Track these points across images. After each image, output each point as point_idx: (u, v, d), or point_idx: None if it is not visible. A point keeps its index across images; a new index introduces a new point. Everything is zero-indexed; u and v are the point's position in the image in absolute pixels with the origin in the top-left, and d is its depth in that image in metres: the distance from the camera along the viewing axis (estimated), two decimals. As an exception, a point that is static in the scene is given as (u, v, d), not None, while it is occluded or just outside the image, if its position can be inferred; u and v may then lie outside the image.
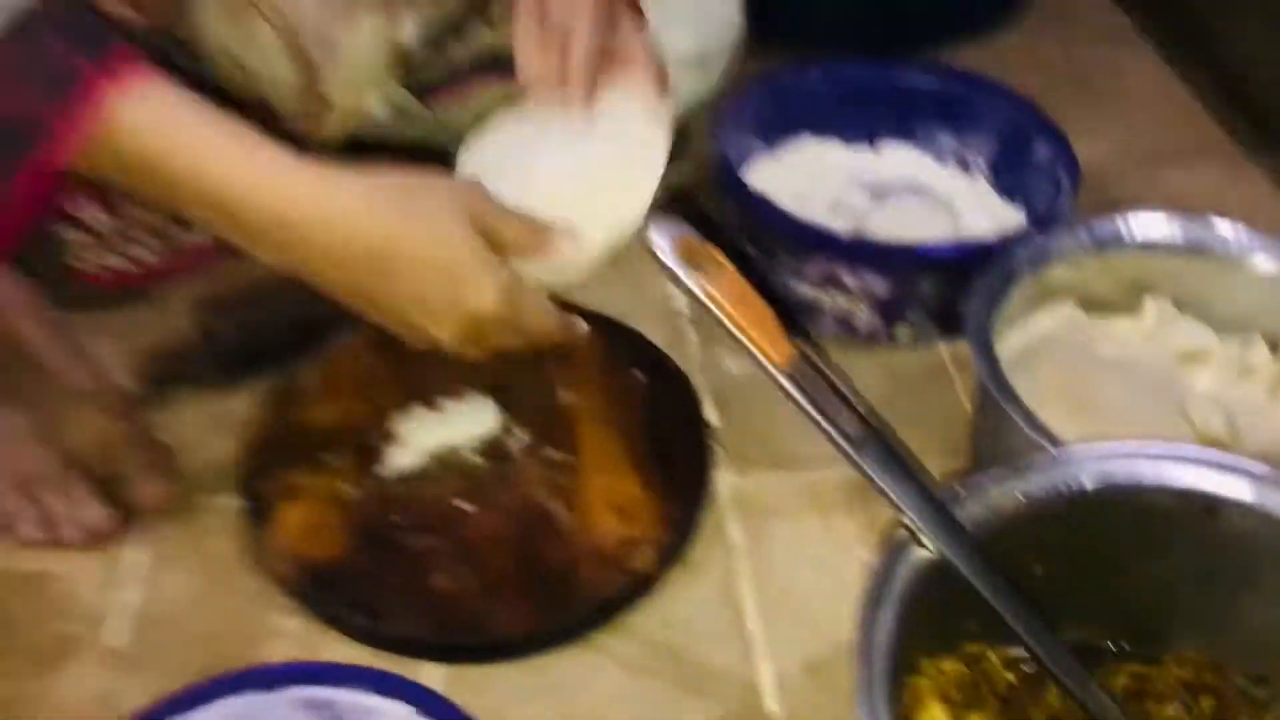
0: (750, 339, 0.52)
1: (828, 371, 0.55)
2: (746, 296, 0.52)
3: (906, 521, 0.53)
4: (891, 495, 0.53)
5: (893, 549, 0.54)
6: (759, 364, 0.53)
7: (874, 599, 0.53)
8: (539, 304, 0.63)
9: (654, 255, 0.53)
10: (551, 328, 0.64)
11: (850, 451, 0.53)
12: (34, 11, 0.51)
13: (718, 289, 0.52)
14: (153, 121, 0.53)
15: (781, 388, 0.53)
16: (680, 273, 0.52)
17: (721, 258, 0.53)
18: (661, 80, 0.67)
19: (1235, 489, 0.57)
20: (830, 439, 0.53)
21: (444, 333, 0.61)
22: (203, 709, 0.63)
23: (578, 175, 0.65)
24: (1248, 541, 0.58)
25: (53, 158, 0.51)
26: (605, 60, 0.66)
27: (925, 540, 0.53)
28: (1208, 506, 0.58)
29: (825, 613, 0.69)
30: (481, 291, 0.59)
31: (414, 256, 0.59)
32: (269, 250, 0.58)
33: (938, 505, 0.54)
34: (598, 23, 0.65)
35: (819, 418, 0.53)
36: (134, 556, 0.72)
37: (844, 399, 0.55)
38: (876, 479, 0.53)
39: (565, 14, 0.66)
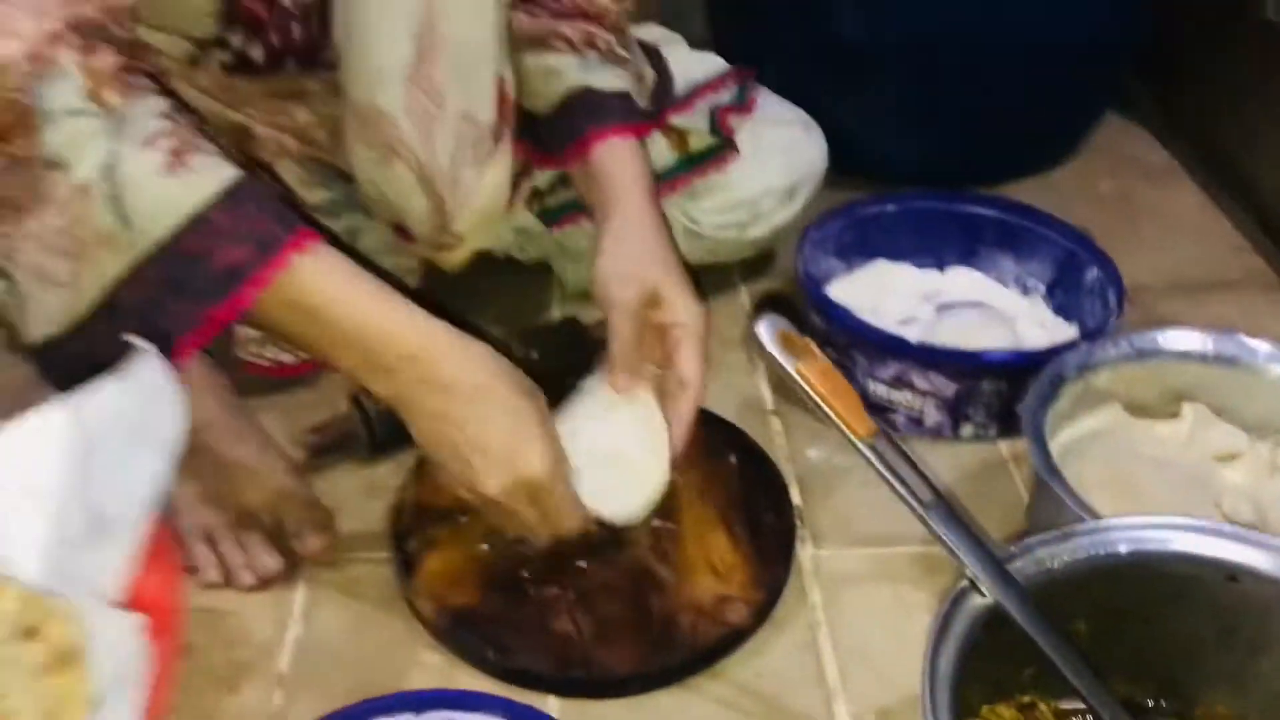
0: (838, 414, 0.64)
1: (903, 447, 0.65)
2: (835, 379, 0.64)
3: (967, 573, 0.64)
4: (955, 550, 0.63)
5: (954, 597, 0.64)
6: (845, 436, 0.64)
7: (937, 638, 0.62)
8: (572, 496, 0.74)
9: (758, 344, 0.64)
10: (572, 521, 0.75)
11: (921, 512, 0.64)
12: (241, 184, 0.65)
13: (810, 373, 0.64)
14: (320, 278, 0.67)
15: (864, 457, 0.64)
16: (780, 358, 0.64)
17: (814, 348, 0.65)
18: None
19: (1254, 559, 0.66)
20: (904, 500, 0.64)
21: (488, 481, 0.71)
22: (359, 728, 0.74)
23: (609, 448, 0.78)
24: (1265, 606, 0.67)
25: (247, 299, 0.65)
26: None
27: (983, 589, 0.63)
28: (1229, 574, 0.67)
29: (894, 667, 0.78)
30: (534, 459, 0.71)
31: (497, 405, 0.71)
32: (382, 378, 0.70)
33: (995, 560, 0.64)
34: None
35: (895, 483, 0.64)
36: (297, 598, 0.83)
37: (916, 471, 0.65)
38: (942, 535, 0.63)
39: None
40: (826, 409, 0.64)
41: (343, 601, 0.83)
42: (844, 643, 0.80)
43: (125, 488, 0.50)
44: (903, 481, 0.64)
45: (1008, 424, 0.94)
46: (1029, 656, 0.67)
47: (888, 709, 0.76)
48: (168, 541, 0.53)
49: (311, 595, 0.84)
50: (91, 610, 0.48)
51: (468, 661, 0.78)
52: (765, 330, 0.64)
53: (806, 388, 0.64)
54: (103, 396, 0.52)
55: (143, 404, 0.52)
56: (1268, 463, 0.85)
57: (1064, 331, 1.02)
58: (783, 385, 0.96)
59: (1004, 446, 0.96)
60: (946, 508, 0.64)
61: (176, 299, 0.64)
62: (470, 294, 1.05)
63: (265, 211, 0.66)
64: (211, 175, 0.64)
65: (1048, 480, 0.76)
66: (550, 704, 0.76)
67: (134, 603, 0.49)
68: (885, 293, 1.07)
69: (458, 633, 0.79)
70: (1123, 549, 0.67)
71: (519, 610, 0.80)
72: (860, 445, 0.64)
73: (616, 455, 0.78)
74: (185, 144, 0.64)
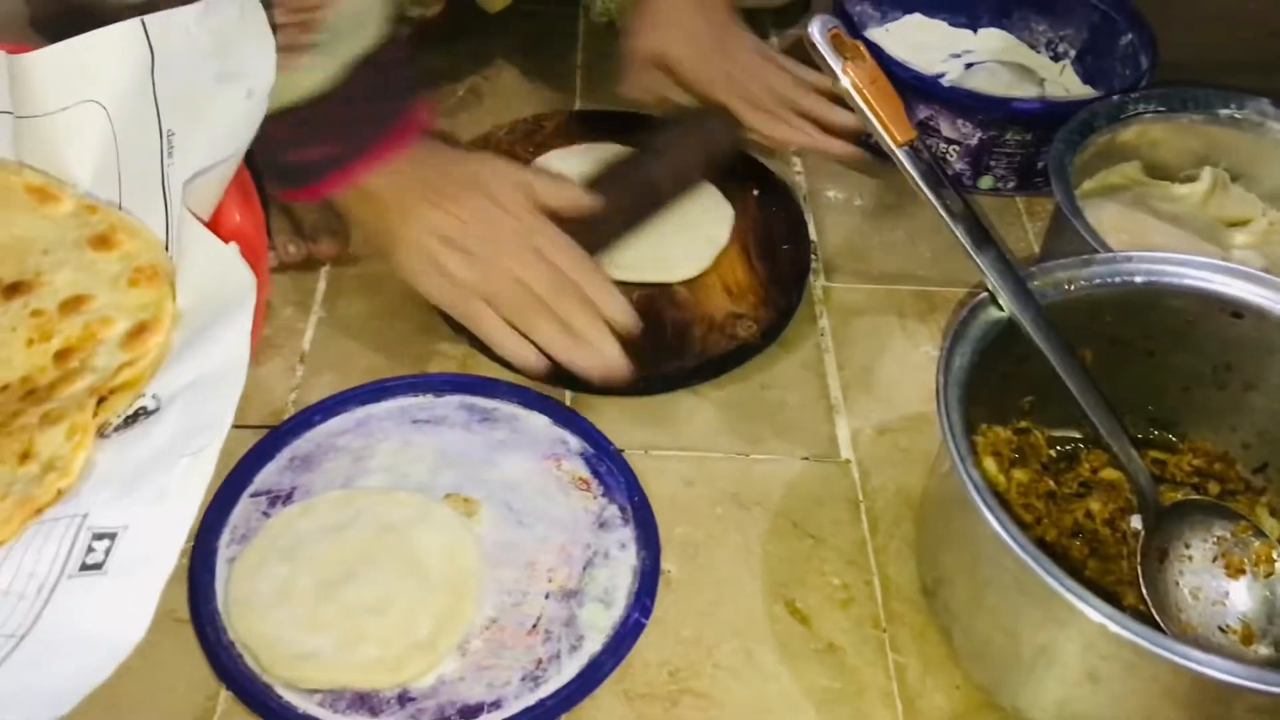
0: (879, 118, 0.64)
1: (937, 159, 0.66)
2: (881, 83, 0.64)
3: (988, 284, 0.65)
4: (977, 260, 0.65)
5: (973, 306, 0.66)
6: (882, 139, 0.65)
7: (953, 339, 0.64)
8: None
9: (808, 40, 0.64)
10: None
11: (949, 220, 0.65)
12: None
13: (857, 74, 0.64)
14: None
15: (899, 161, 0.65)
16: (828, 56, 0.63)
17: (864, 50, 0.64)
18: None
19: (1260, 297, 0.69)
20: (934, 207, 0.65)
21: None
22: (386, 401, 0.77)
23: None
24: (1265, 344, 0.69)
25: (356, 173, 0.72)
26: None
27: (1001, 302, 0.65)
28: (1234, 310, 0.69)
29: (895, 390, 0.81)
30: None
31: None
32: None
33: (1015, 274, 0.66)
34: None
35: (926, 189, 0.65)
36: (320, 286, 0.85)
37: (948, 181, 0.66)
38: (967, 244, 0.65)
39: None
40: (868, 111, 0.64)
41: (364, 294, 0.85)
42: (848, 365, 0.83)
43: (209, 120, 0.50)
44: (933, 189, 0.64)
45: (1026, 179, 0.95)
46: (1029, 384, 0.70)
47: (886, 425, 0.79)
48: (252, 187, 0.53)
49: (333, 285, 0.85)
50: (182, 224, 0.48)
51: (487, 355, 0.80)
52: (817, 29, 0.64)
53: (851, 89, 0.64)
54: (179, 19, 0.51)
55: (225, 38, 0.51)
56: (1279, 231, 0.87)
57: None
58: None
59: (1019, 202, 0.97)
60: (974, 219, 0.65)
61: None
62: (501, 32, 1.04)
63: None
64: None
65: (1069, 217, 0.77)
66: (564, 396, 0.79)
67: (223, 234, 0.49)
68: (916, 47, 1.06)
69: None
70: (1138, 278, 0.69)
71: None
72: (897, 151, 0.64)
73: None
74: None
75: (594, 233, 0.79)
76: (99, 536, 0.44)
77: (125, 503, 0.44)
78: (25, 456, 0.43)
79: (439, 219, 0.74)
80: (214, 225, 0.50)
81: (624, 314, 0.74)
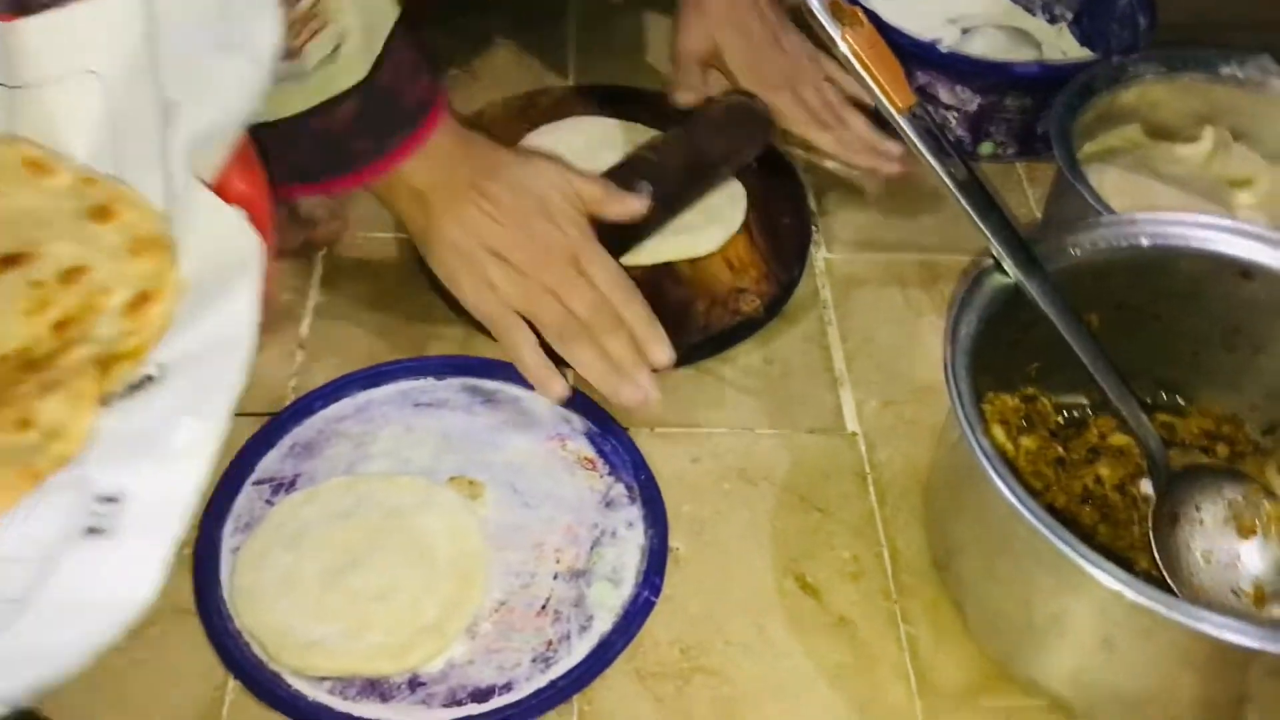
0: (879, 84, 0.63)
1: (938, 125, 0.65)
2: (880, 48, 0.63)
3: (993, 251, 0.65)
4: (982, 226, 0.64)
5: (978, 273, 0.65)
6: (882, 106, 0.64)
7: (959, 308, 0.64)
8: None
9: (805, 7, 0.63)
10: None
11: (953, 187, 0.64)
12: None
13: (856, 40, 0.63)
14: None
15: (901, 128, 0.64)
16: (826, 22, 0.62)
17: (862, 15, 0.63)
18: None
19: (1269, 257, 0.68)
20: (937, 174, 0.64)
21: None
22: (387, 385, 0.76)
23: None
24: (1272, 306, 0.69)
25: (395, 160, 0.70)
26: None
27: (1007, 267, 0.65)
28: (1243, 270, 0.68)
29: (899, 362, 0.81)
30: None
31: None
32: None
33: (1020, 240, 0.65)
34: None
35: (929, 156, 0.64)
36: (316, 270, 0.84)
37: (951, 147, 0.65)
38: (971, 211, 0.64)
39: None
40: (868, 78, 0.63)
41: (361, 277, 0.84)
42: (852, 336, 0.82)
43: (210, 88, 0.48)
44: (936, 156, 0.64)
45: (1026, 144, 0.94)
46: (1035, 350, 0.70)
47: (892, 397, 0.79)
48: (255, 155, 0.52)
49: (331, 268, 0.84)
50: (184, 192, 0.47)
51: (487, 334, 0.79)
52: (814, -5, 0.63)
53: (850, 55, 0.63)
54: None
55: (227, 4, 0.49)
56: (1282, 189, 0.86)
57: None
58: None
59: (1020, 167, 0.96)
60: (979, 185, 0.64)
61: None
62: (494, 9, 1.03)
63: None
64: None
65: (1071, 182, 0.76)
66: (568, 376, 0.78)
67: (227, 201, 0.48)
68: (911, 13, 1.04)
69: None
70: (1144, 241, 0.69)
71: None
72: (898, 118, 0.63)
73: None
74: None
75: (631, 231, 0.78)
76: (104, 500, 0.43)
77: (130, 467, 0.43)
78: (24, 424, 0.42)
79: (482, 223, 0.72)
80: (217, 193, 0.49)
81: (665, 352, 0.72)
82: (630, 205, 0.76)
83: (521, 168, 0.75)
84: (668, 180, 0.81)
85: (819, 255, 0.87)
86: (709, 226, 0.85)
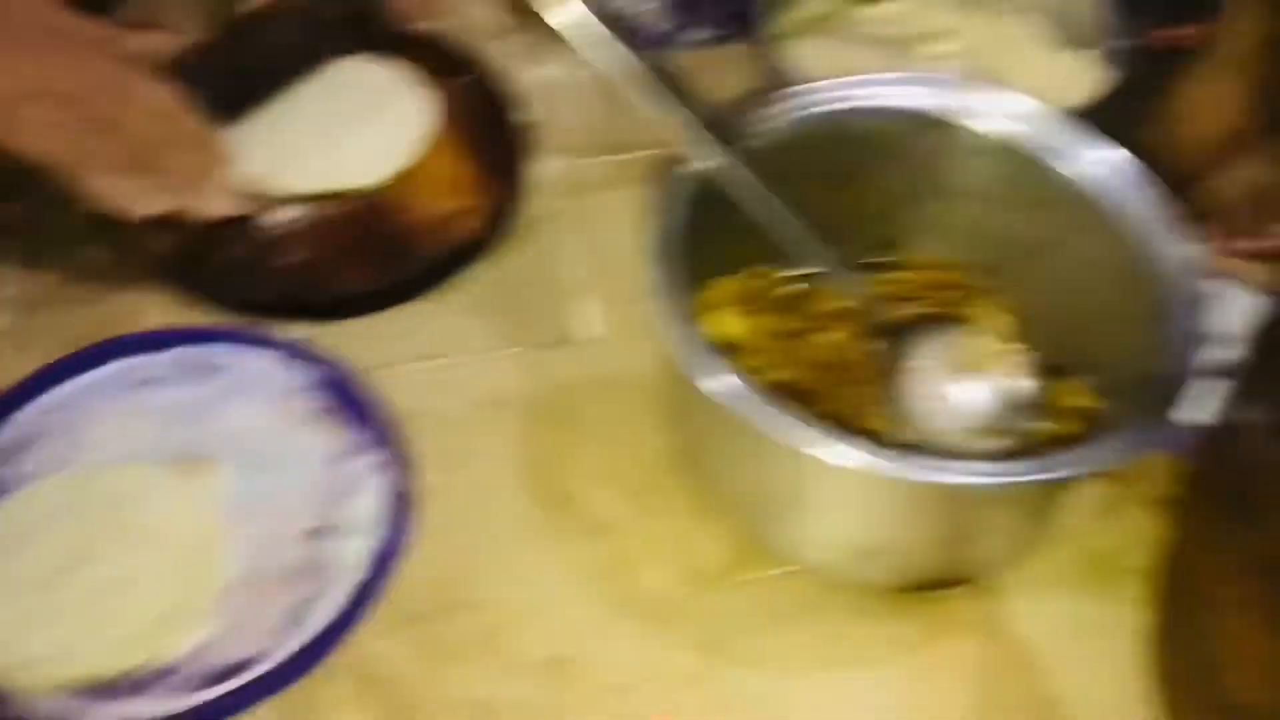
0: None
1: (608, 16, 0.63)
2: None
3: (683, 138, 0.64)
4: (666, 117, 0.63)
5: (671, 168, 0.65)
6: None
7: (661, 199, 0.63)
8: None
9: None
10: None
11: (625, 82, 0.62)
12: None
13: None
14: None
15: (557, 28, 0.61)
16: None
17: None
18: None
19: (950, 101, 0.69)
20: (604, 71, 0.62)
21: None
22: (99, 369, 0.71)
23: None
24: (963, 149, 0.70)
25: None
26: None
27: (696, 157, 0.64)
28: (933, 121, 0.69)
29: (636, 263, 0.80)
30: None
31: None
32: None
33: (707, 126, 0.64)
34: None
35: (592, 54, 0.61)
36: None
37: (626, 39, 0.63)
38: (650, 103, 0.63)
39: None
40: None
41: (63, 256, 0.78)
42: (591, 244, 0.81)
43: None
44: (599, 51, 0.61)
45: (740, 28, 0.93)
46: (752, 230, 0.70)
47: (629, 300, 0.78)
48: None
49: (28, 249, 0.78)
50: None
51: (200, 297, 0.76)
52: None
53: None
54: None
55: None
56: (983, 35, 0.87)
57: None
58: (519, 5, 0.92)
59: (732, 49, 0.93)
60: (664, 71, 0.63)
61: None
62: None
63: None
64: None
65: (765, 57, 0.76)
66: (294, 331, 0.75)
67: None
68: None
69: (186, 271, 0.76)
70: (836, 106, 0.69)
71: (248, 247, 0.77)
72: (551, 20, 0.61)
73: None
74: None
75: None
76: None
77: None
78: None
79: (18, 65, 0.67)
80: None
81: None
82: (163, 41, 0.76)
83: (48, 13, 0.71)
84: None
85: (547, 165, 0.85)
86: (382, 145, 0.80)
